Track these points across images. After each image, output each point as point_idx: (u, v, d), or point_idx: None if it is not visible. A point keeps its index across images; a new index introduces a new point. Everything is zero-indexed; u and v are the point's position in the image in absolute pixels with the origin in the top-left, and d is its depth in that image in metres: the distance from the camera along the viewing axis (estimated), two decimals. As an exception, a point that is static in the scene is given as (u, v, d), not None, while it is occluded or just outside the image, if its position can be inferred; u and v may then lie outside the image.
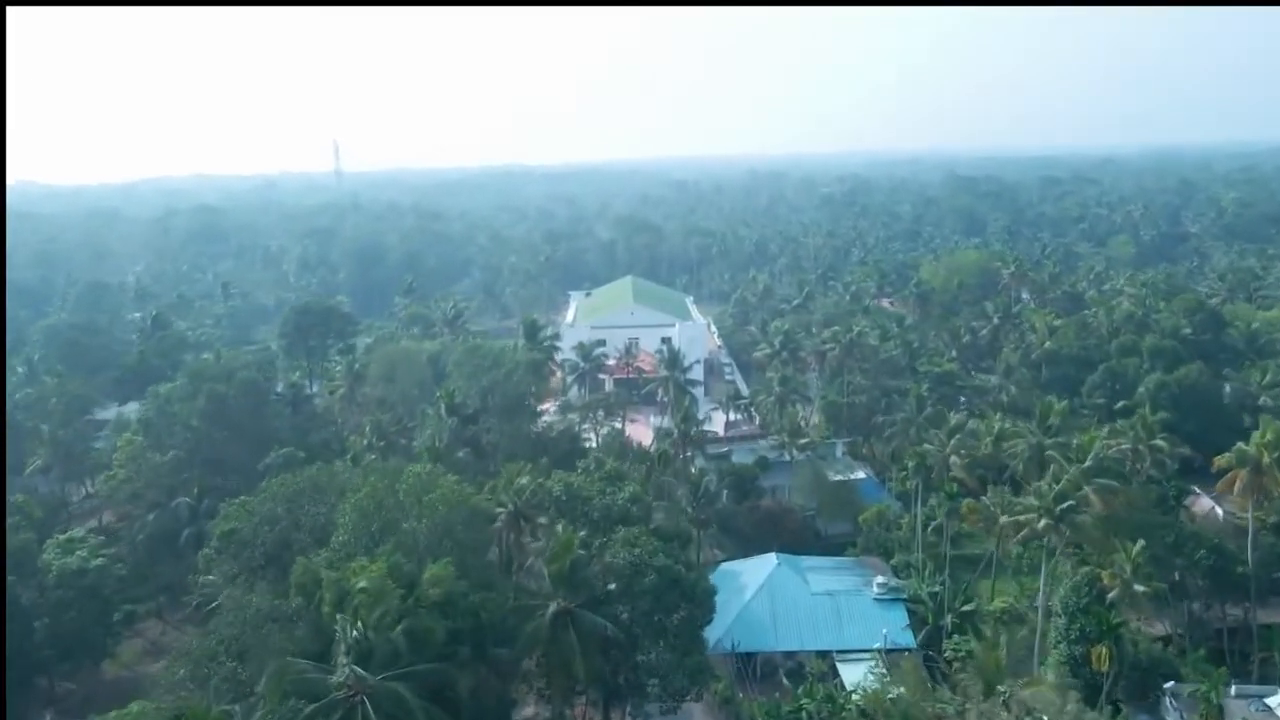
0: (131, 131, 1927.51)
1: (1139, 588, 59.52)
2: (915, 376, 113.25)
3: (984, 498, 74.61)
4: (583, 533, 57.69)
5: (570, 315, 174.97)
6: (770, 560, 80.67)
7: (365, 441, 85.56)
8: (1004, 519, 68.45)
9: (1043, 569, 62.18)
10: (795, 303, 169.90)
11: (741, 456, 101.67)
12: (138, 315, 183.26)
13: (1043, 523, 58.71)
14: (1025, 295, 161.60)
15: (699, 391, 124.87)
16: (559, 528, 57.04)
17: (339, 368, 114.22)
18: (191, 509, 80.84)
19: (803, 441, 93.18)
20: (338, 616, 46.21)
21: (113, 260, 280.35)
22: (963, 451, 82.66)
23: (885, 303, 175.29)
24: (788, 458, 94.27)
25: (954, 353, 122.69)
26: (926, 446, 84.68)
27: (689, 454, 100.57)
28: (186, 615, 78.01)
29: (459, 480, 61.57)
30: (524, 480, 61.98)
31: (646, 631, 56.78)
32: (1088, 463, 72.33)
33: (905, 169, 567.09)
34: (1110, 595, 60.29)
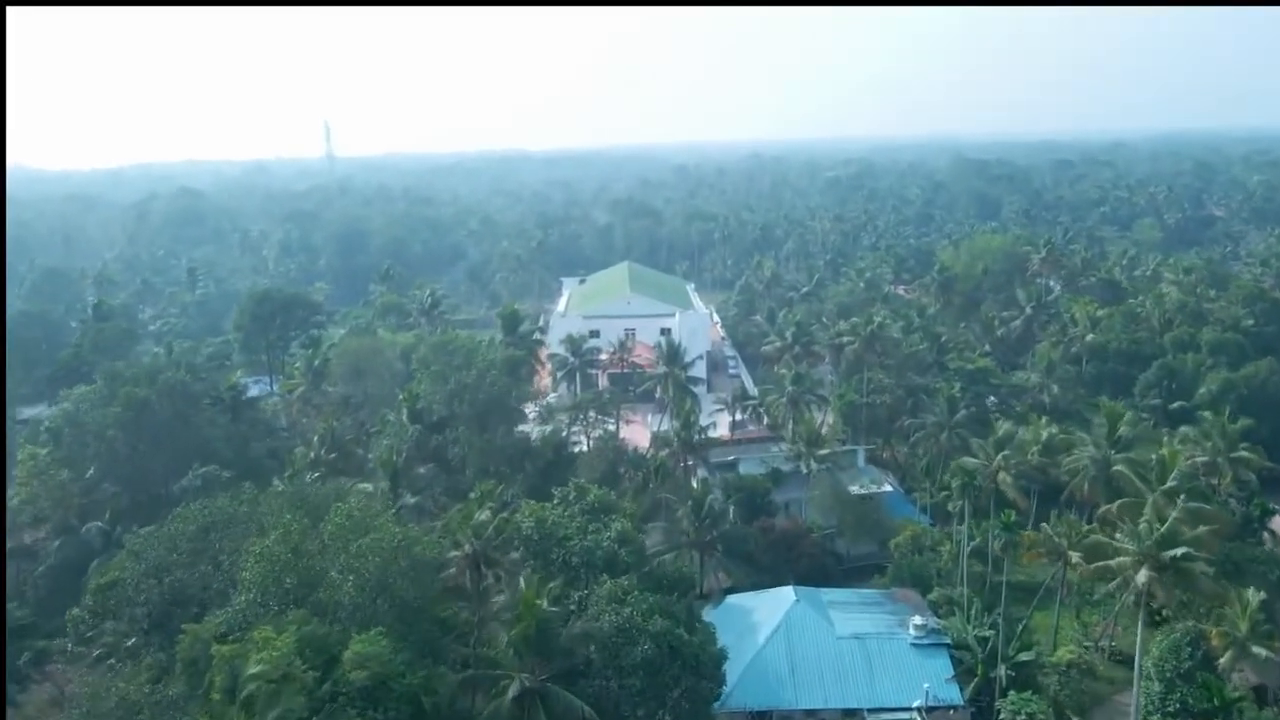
0: (125, 116, 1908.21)
1: (1259, 650, 47.15)
2: (945, 374, 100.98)
3: (1046, 526, 62.14)
4: (554, 585, 45.40)
5: (562, 304, 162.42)
6: (786, 595, 68.36)
7: (312, 454, 73.21)
8: (1075, 557, 56.16)
9: (1139, 630, 49.56)
10: (805, 290, 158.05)
11: (750, 466, 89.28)
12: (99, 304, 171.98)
13: (1143, 574, 46.29)
14: (1052, 283, 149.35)
15: (701, 389, 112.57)
16: (525, 578, 44.65)
17: (298, 364, 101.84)
18: (105, 535, 68.65)
19: (823, 453, 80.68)
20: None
21: (87, 246, 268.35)
22: (1014, 464, 70.28)
23: (899, 290, 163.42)
24: (805, 470, 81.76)
25: (987, 346, 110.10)
26: (969, 460, 72.29)
27: (689, 463, 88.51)
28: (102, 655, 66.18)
29: (406, 518, 49.28)
30: (484, 515, 49.49)
31: (638, 712, 44.57)
32: (1170, 483, 60.04)
33: (910, 153, 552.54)
34: (1221, 661, 47.92)
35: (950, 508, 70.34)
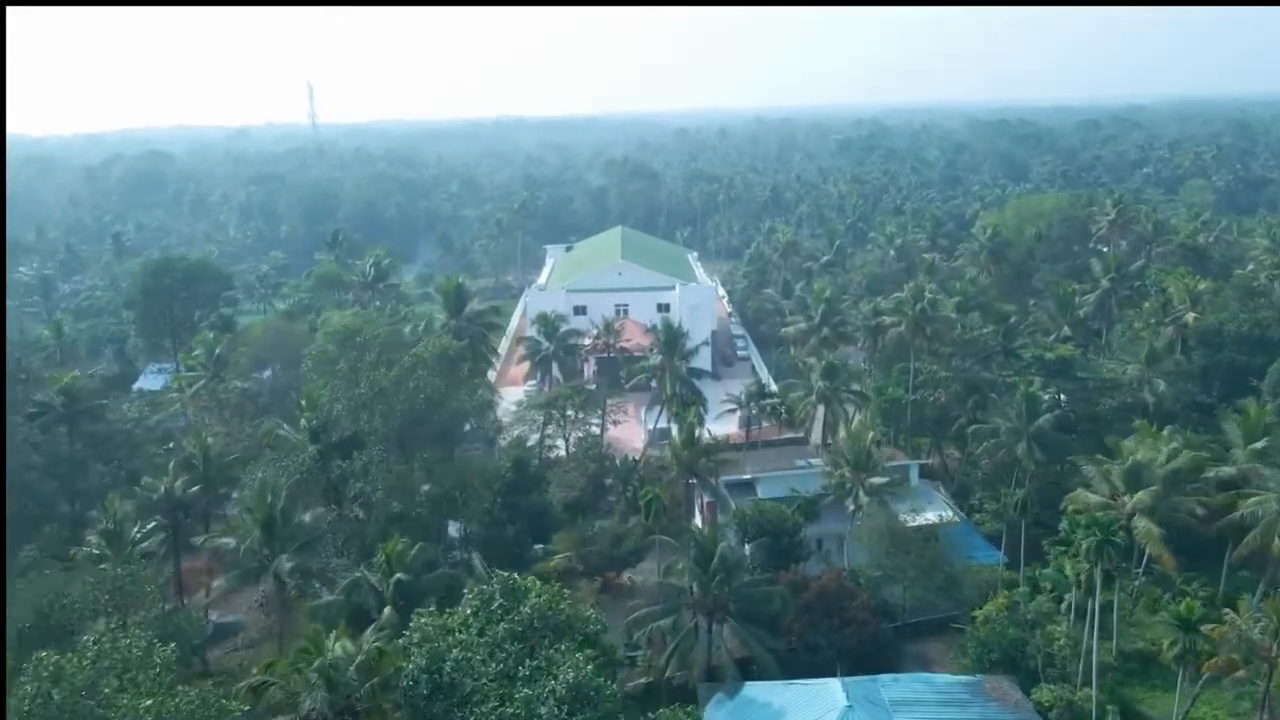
0: (116, 83, 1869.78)
1: None
2: (1018, 364, 79.66)
3: (1235, 616, 40.99)
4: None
5: (543, 276, 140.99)
6: (835, 695, 47.55)
7: (162, 487, 51.97)
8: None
9: None
10: (825, 259, 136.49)
11: (771, 488, 67.90)
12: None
13: None
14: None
15: (706, 381, 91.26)
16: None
17: (198, 351, 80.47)
18: None
19: (877, 481, 59.37)
20: None
21: (40, 211, 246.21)
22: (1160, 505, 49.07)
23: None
24: (852, 506, 60.47)
25: (1066, 329, 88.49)
26: (1091, 497, 51.06)
27: (691, 481, 67.44)
28: None
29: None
30: (341, 646, 28.26)
31: None
32: None
33: (922, 117, 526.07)
34: None
35: (1069, 571, 49.03)
